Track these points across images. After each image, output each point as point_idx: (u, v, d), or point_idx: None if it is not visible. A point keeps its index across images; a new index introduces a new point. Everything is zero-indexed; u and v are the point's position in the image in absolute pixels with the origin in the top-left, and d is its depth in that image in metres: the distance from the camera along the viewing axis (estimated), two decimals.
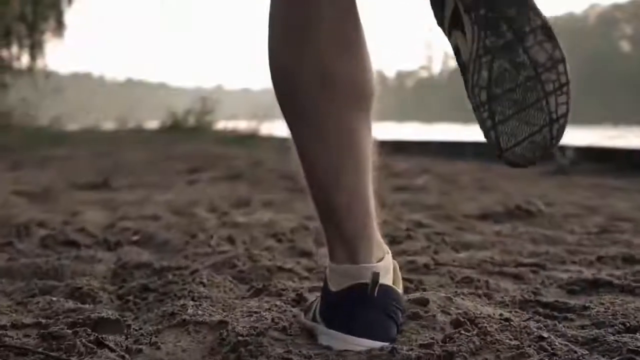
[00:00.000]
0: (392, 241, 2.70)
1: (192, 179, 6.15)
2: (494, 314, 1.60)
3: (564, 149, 8.23)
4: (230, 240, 2.69)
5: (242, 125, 15.74)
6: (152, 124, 18.72)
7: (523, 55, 1.41)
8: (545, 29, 1.41)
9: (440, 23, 1.50)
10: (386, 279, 1.54)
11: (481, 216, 3.41)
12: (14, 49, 21.06)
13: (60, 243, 2.69)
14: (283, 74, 1.53)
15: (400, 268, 1.66)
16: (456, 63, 1.50)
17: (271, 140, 12.41)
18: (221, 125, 16.88)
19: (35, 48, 21.13)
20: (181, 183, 5.97)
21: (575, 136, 11.57)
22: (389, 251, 1.62)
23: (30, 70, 20.69)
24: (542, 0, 1.45)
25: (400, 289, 1.59)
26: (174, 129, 16.63)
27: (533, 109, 1.43)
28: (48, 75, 21.18)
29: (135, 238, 2.78)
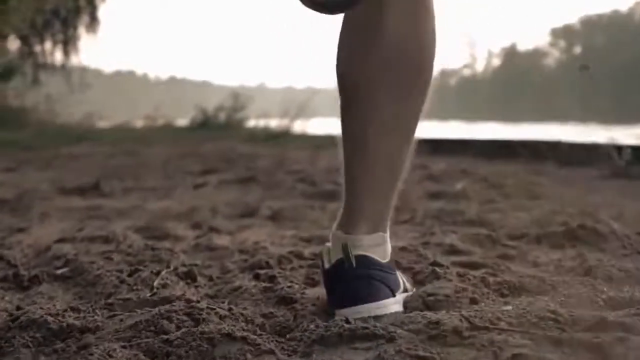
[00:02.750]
0: (410, 278, 1.95)
1: (201, 182, 5.42)
2: None
3: (620, 148, 7.46)
4: (189, 277, 1.94)
5: (274, 122, 15.07)
6: (183, 122, 18.20)
7: None
8: None
9: None
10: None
11: (535, 239, 2.60)
12: (48, 44, 20.76)
13: None
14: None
15: (418, 331, 1.44)
16: None
17: (303, 138, 11.78)
18: (253, 122, 16.23)
19: (69, 44, 20.76)
20: (186, 187, 5.25)
21: (631, 134, 10.74)
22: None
23: (63, 66, 20.32)
24: None
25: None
26: (204, 127, 16.02)
27: None
28: (82, 71, 20.87)
29: (60, 272, 2.04)
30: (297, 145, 9.78)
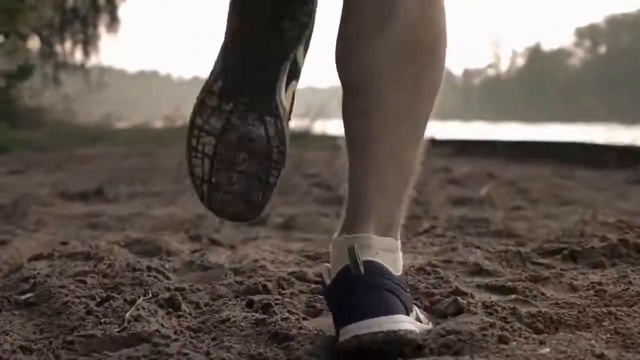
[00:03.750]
0: (428, 308, 1.67)
1: None
2: None
3: None
4: (171, 304, 1.66)
5: (294, 123, 14.76)
6: None
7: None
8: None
9: None
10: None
11: (570, 256, 2.31)
12: (67, 44, 20.64)
13: None
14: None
15: None
16: None
17: (323, 139, 11.52)
18: None
19: (89, 43, 20.64)
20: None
21: None
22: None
23: (83, 66, 20.20)
24: None
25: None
26: None
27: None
28: (102, 71, 20.77)
29: (25, 297, 1.77)
30: (317, 146, 9.52)
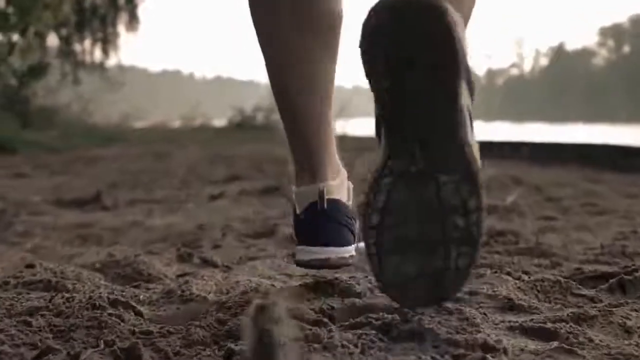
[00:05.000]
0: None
1: (220, 192, 4.84)
2: None
3: None
4: (129, 357, 1.33)
5: None
6: (222, 122, 17.73)
7: (433, 193, 1.27)
8: (469, 170, 1.25)
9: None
10: (339, 195, 1.77)
11: (617, 284, 1.96)
12: (87, 43, 20.51)
13: None
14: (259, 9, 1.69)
15: None
16: None
17: (343, 139, 11.16)
18: None
19: (108, 42, 20.51)
20: (201, 198, 4.67)
21: None
22: (344, 171, 1.84)
23: (102, 65, 20.08)
24: None
25: (349, 203, 1.81)
26: (241, 127, 15.49)
27: (428, 252, 1.30)
28: (120, 70, 20.67)
29: None
30: (338, 147, 9.17)
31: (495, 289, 1.83)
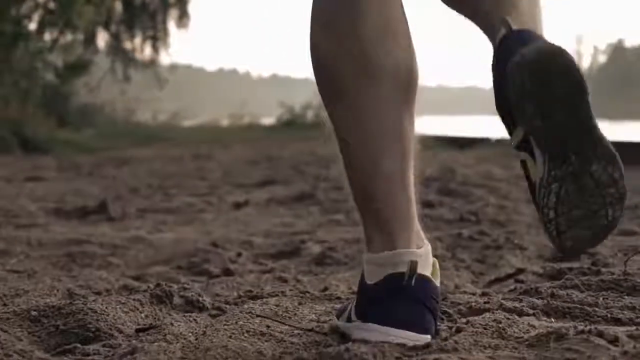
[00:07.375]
0: None
1: (245, 200, 4.28)
2: None
3: None
4: None
5: None
6: (270, 120, 17.28)
7: (589, 180, 1.46)
8: (608, 154, 1.46)
9: (510, 134, 1.51)
10: (425, 270, 1.52)
11: None
12: (137, 40, 20.18)
13: None
14: (326, 64, 1.53)
15: None
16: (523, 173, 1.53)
17: None
18: None
19: (158, 39, 20.17)
20: (224, 206, 4.12)
21: None
22: (428, 243, 1.57)
23: (153, 62, 19.75)
24: None
25: (437, 283, 1.56)
26: (289, 125, 14.98)
27: (594, 217, 1.49)
28: (172, 68, 20.38)
29: None
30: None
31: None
